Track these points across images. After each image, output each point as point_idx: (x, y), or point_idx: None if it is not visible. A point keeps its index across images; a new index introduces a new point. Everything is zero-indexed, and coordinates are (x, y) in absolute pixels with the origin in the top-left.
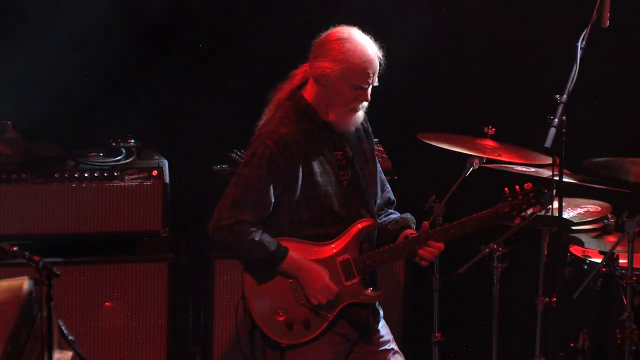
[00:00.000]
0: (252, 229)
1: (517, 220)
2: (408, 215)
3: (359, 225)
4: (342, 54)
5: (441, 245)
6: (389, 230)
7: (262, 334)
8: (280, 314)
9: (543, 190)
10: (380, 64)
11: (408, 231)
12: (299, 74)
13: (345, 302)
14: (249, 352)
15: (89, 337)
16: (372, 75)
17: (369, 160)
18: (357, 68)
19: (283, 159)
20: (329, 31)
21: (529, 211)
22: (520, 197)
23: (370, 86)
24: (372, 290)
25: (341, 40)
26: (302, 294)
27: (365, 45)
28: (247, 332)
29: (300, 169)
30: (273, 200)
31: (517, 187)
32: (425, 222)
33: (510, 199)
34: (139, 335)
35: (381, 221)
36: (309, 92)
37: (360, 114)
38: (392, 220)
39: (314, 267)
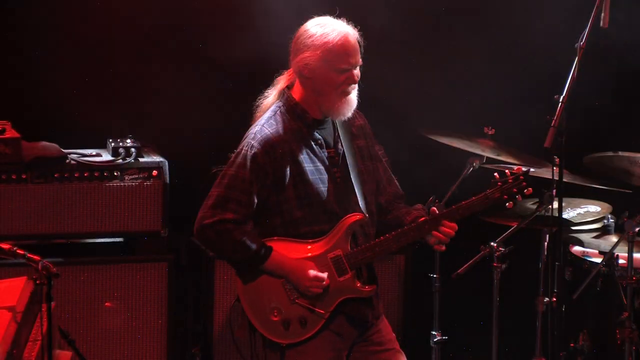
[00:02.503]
0: (235, 228)
1: (510, 205)
2: (420, 206)
3: (348, 220)
4: (318, 39)
5: (454, 226)
6: (406, 223)
7: (261, 335)
8: (276, 314)
9: (532, 171)
10: (359, 42)
11: (421, 220)
12: (283, 78)
13: (340, 298)
14: (248, 353)
15: (89, 337)
16: (353, 54)
17: (366, 156)
18: (336, 49)
19: (268, 159)
20: (300, 27)
21: (519, 197)
22: (510, 180)
23: (356, 67)
24: (367, 284)
25: (314, 27)
26: (295, 292)
27: (338, 26)
28: (244, 333)
29: (288, 169)
30: (257, 200)
31: (507, 171)
32: (434, 208)
33: (499, 183)
34: (139, 335)
35: (395, 214)
36: (296, 92)
37: (354, 98)
38: (406, 212)
39: (297, 264)
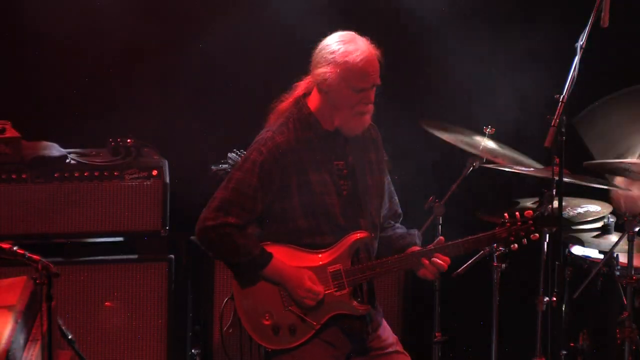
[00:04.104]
0: (237, 232)
1: (514, 247)
2: (415, 232)
3: (354, 237)
4: (340, 56)
5: (447, 260)
6: (396, 245)
7: (248, 336)
8: (267, 317)
9: (543, 218)
10: (380, 63)
11: (414, 248)
12: (301, 85)
13: (333, 312)
14: (234, 353)
15: (89, 337)
16: (372, 75)
17: (375, 171)
18: (356, 68)
19: (275, 167)
20: (326, 38)
21: (524, 240)
22: (519, 224)
23: (373, 87)
24: (363, 304)
25: (338, 44)
26: (290, 299)
27: (362, 45)
28: (234, 332)
29: (295, 178)
30: (262, 207)
31: (517, 213)
32: (442, 237)
33: (508, 224)
34: (139, 335)
35: (388, 234)
36: (312, 101)
37: (367, 118)
38: (400, 236)
39: (296, 273)
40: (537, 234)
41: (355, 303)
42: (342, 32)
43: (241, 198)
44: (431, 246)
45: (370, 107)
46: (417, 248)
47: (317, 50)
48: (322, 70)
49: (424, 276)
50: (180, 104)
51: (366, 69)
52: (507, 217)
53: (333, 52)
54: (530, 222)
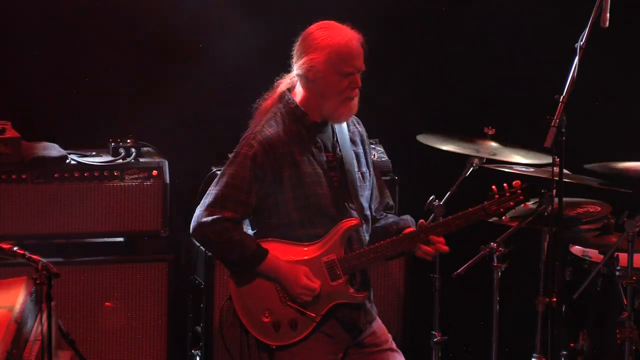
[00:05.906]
0: (234, 227)
1: (506, 218)
2: (408, 217)
3: (345, 225)
4: (324, 41)
5: (441, 240)
6: (392, 232)
7: (250, 335)
8: (267, 315)
9: (529, 186)
10: (363, 47)
11: (409, 230)
12: (284, 81)
13: (332, 303)
14: (237, 353)
15: (89, 337)
16: (357, 58)
17: (362, 162)
18: (341, 51)
19: (267, 160)
20: (305, 30)
21: (515, 210)
22: (507, 194)
23: (360, 71)
24: (360, 291)
25: (320, 30)
26: (287, 294)
27: (344, 29)
28: (235, 332)
29: (287, 170)
30: (256, 200)
31: (505, 184)
32: (422, 220)
33: (497, 196)
34: (139, 335)
35: (381, 224)
36: (297, 94)
37: (355, 104)
38: (393, 222)
39: (291, 268)
40: (527, 203)
41: (352, 291)
42: (322, 21)
43: (236, 192)
44: (423, 228)
45: (357, 92)
46: (412, 229)
47: (299, 41)
48: (307, 58)
49: (422, 256)
50: (180, 104)
51: (351, 51)
52: (495, 189)
53: (316, 39)
54: (519, 191)
